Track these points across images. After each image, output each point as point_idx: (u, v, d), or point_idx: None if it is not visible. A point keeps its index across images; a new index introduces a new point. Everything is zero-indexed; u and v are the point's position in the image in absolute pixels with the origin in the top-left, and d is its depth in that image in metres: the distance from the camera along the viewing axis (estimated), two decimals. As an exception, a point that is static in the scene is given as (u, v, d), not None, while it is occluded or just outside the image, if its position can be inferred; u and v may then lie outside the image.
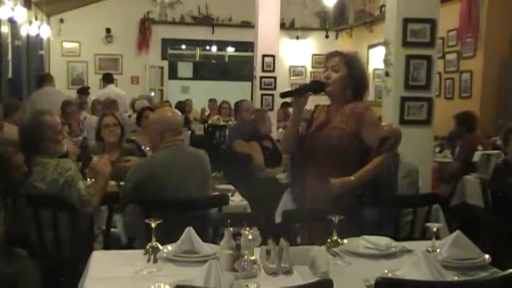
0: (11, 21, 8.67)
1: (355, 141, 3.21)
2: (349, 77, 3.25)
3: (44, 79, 8.40)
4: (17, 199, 3.34)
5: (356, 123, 3.21)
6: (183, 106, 11.53)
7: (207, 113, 12.28)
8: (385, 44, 5.43)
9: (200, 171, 3.53)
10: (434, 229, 2.57)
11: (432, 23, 5.25)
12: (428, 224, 2.68)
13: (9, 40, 8.80)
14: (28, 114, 3.88)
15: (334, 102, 3.33)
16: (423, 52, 5.27)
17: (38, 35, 11.01)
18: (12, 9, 8.53)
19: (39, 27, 11.01)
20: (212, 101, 12.50)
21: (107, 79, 10.39)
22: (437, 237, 2.59)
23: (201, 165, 3.56)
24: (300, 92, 3.22)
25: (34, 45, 10.71)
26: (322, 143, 3.25)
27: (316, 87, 3.25)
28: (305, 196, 3.35)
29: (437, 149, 7.29)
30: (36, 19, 10.89)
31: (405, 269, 2.30)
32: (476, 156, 5.90)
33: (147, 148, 5.07)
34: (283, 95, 3.30)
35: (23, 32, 9.64)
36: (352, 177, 3.15)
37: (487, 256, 2.46)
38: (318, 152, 3.26)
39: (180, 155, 3.49)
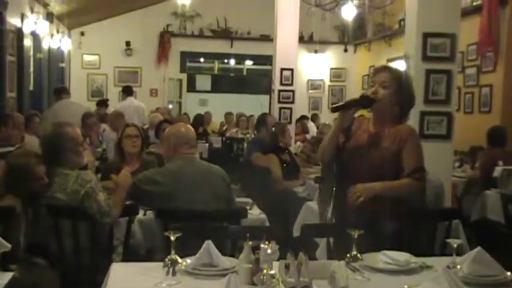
0: (34, 35, 8.83)
1: (395, 161, 3.17)
2: (398, 94, 3.19)
3: (62, 91, 8.49)
4: (37, 209, 3.38)
5: (399, 144, 3.17)
6: (201, 119, 11.59)
7: (225, 127, 12.32)
8: (405, 58, 5.42)
9: (210, 185, 3.56)
10: (455, 245, 2.54)
11: (452, 37, 5.22)
12: (448, 240, 2.64)
13: (31, 53, 8.94)
14: (49, 126, 3.92)
15: (380, 119, 3.25)
16: (443, 66, 5.24)
17: (59, 48, 11.18)
18: (35, 22, 8.69)
19: (60, 40, 11.19)
20: (229, 114, 12.53)
21: (127, 91, 10.47)
22: (458, 253, 2.57)
23: (212, 180, 3.60)
24: (349, 107, 3.19)
25: (55, 57, 10.86)
26: (363, 162, 3.20)
27: (365, 102, 3.20)
28: (341, 207, 3.31)
29: (457, 164, 7.23)
30: (57, 32, 11.08)
31: (425, 285, 2.27)
32: (497, 171, 5.85)
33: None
34: (335, 109, 3.25)
35: (45, 45, 9.79)
36: (376, 184, 3.11)
37: (509, 273, 2.43)
38: (357, 169, 3.21)
39: (190, 167, 3.58)
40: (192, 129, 3.84)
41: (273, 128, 6.48)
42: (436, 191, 4.27)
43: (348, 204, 3.21)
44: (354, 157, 3.23)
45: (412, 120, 5.21)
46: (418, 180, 3.18)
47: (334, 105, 3.30)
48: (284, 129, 6.37)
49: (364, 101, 3.20)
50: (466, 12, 8.08)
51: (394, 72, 3.24)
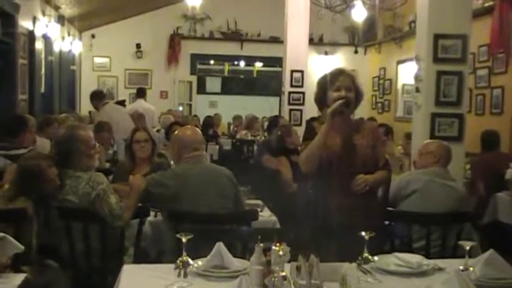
0: (45, 37, 8.88)
1: (373, 156, 3.32)
2: (357, 95, 3.34)
3: (103, 95, 8.35)
4: (49, 211, 3.40)
5: (373, 140, 3.34)
6: (211, 121, 11.60)
7: (235, 129, 12.30)
8: (416, 59, 5.40)
9: (216, 186, 3.59)
10: (467, 247, 2.52)
11: (463, 38, 5.21)
12: (461, 242, 2.63)
13: (43, 55, 8.98)
14: (62, 128, 3.93)
15: (345, 120, 3.30)
16: (454, 68, 5.23)
17: (70, 51, 11.23)
18: (47, 25, 8.75)
19: (71, 43, 11.24)
20: (237, 117, 12.49)
21: (139, 93, 10.45)
22: (470, 256, 2.55)
23: (218, 180, 3.63)
24: (343, 110, 3.23)
25: (66, 60, 10.92)
26: (349, 162, 3.24)
27: (348, 104, 3.26)
28: (328, 209, 3.30)
29: (468, 166, 7.18)
30: (68, 35, 11.13)
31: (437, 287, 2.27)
32: (509, 173, 5.81)
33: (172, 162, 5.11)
34: (334, 113, 3.24)
35: (56, 48, 9.84)
36: (369, 176, 3.24)
37: (521, 276, 2.42)
38: (344, 171, 3.23)
39: (196, 169, 3.60)
40: (198, 131, 3.86)
41: (279, 132, 6.44)
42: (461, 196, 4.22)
43: (335, 208, 3.22)
44: (340, 159, 3.26)
45: (423, 121, 5.23)
46: (390, 171, 3.44)
47: (333, 109, 3.21)
48: (289, 130, 6.34)
49: (346, 105, 3.24)
50: (477, 14, 8.03)
51: (352, 75, 3.36)
